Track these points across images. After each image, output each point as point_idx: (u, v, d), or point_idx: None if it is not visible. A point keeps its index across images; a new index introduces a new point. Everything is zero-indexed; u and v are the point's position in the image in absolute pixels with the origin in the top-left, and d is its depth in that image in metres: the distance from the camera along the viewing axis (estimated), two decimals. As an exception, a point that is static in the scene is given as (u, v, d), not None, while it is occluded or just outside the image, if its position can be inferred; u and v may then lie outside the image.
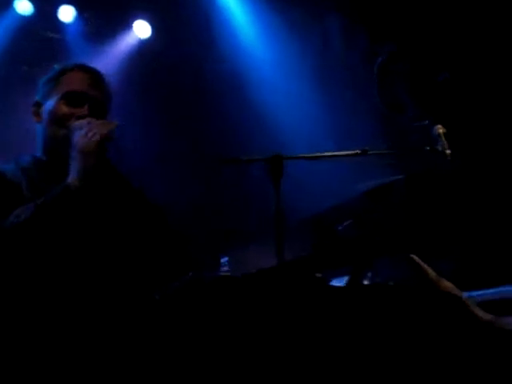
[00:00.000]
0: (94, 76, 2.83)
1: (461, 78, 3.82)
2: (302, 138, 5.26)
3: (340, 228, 4.04)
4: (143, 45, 6.32)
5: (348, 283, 3.80)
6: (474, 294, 3.31)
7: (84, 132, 2.53)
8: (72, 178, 2.51)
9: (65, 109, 2.71)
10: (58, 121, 2.70)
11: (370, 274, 3.83)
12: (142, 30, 6.24)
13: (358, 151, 3.33)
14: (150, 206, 2.80)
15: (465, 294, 3.20)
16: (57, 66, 2.85)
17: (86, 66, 2.86)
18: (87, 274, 2.55)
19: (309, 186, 4.97)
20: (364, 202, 3.96)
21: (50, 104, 2.75)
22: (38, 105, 2.80)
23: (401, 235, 3.42)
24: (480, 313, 3.15)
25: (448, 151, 3.40)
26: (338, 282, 3.93)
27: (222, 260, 4.40)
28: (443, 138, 3.37)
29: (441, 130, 3.39)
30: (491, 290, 3.34)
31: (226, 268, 4.36)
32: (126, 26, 6.23)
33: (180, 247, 2.85)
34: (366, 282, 3.85)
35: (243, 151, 3.51)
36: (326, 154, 3.35)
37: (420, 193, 3.74)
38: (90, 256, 2.58)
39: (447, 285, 3.19)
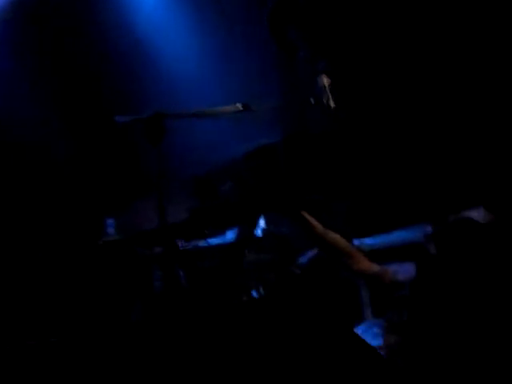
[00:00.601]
0: None
1: (352, 25, 3.78)
2: (192, 94, 5.16)
3: (221, 189, 4.02)
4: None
5: (236, 238, 3.81)
6: (365, 241, 3.35)
7: None
8: None
9: None
10: None
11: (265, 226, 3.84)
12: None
13: (240, 107, 3.21)
14: None
15: (356, 242, 3.23)
16: None
17: None
18: None
19: (193, 145, 4.89)
20: (245, 163, 3.93)
21: None
22: None
23: (279, 195, 3.41)
24: (367, 264, 3.19)
25: (331, 104, 3.33)
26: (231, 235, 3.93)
27: (108, 221, 4.34)
28: (327, 90, 3.30)
29: (325, 81, 3.31)
30: (380, 237, 3.37)
31: (111, 230, 4.31)
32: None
33: None
34: (260, 233, 3.86)
35: (130, 108, 3.39)
36: (207, 110, 3.24)
37: (297, 153, 3.72)
38: None
39: (334, 237, 3.22)
